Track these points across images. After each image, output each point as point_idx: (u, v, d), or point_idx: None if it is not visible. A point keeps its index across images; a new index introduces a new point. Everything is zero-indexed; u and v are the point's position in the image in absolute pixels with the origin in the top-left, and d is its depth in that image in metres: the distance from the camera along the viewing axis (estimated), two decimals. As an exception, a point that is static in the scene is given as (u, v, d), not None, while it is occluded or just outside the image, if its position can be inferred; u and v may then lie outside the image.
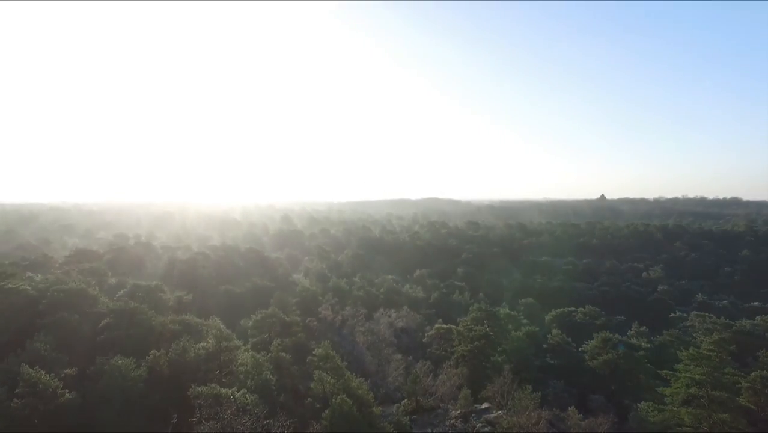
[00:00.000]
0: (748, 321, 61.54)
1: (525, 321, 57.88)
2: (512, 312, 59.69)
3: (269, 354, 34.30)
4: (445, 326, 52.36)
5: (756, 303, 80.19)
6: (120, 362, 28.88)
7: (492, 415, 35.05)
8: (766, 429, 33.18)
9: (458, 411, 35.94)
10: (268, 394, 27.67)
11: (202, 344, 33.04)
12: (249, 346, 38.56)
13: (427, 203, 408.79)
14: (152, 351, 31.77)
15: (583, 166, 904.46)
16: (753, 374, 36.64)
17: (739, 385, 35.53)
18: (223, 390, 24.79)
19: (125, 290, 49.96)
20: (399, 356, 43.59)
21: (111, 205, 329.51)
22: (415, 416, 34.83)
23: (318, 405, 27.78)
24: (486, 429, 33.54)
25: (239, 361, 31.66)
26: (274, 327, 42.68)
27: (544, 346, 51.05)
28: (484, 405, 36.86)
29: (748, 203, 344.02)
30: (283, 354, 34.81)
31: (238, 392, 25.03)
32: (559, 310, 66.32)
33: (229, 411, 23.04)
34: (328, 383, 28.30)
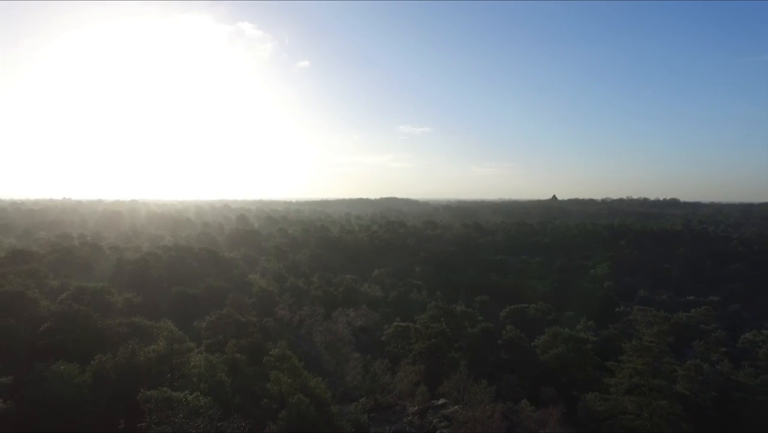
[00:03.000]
0: (685, 314, 65.77)
1: (480, 318, 59.28)
2: (468, 309, 60.97)
3: (224, 356, 33.50)
4: (403, 324, 52.87)
5: (691, 297, 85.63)
6: (62, 367, 27.40)
7: (449, 410, 35.73)
8: (699, 413, 35.53)
9: (416, 407, 36.42)
10: (222, 396, 27.03)
11: (152, 346, 31.84)
12: (203, 348, 37.51)
13: (386, 203, 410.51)
14: (98, 355, 30.33)
15: (535, 168, 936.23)
16: (688, 362, 39.23)
17: (676, 373, 37.96)
18: (175, 393, 24.00)
19: (68, 292, 47.38)
20: (357, 355, 43.63)
21: (53, 204, 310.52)
22: (373, 414, 35.01)
23: (274, 406, 27.41)
24: (443, 424, 34.16)
25: (192, 363, 30.76)
26: (229, 328, 41.71)
27: (499, 342, 52.45)
28: (441, 401, 37.51)
29: (685, 204, 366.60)
30: (239, 355, 34.09)
31: (190, 395, 24.30)
32: (512, 306, 68.34)
33: (180, 415, 22.36)
34: (284, 383, 27.98)
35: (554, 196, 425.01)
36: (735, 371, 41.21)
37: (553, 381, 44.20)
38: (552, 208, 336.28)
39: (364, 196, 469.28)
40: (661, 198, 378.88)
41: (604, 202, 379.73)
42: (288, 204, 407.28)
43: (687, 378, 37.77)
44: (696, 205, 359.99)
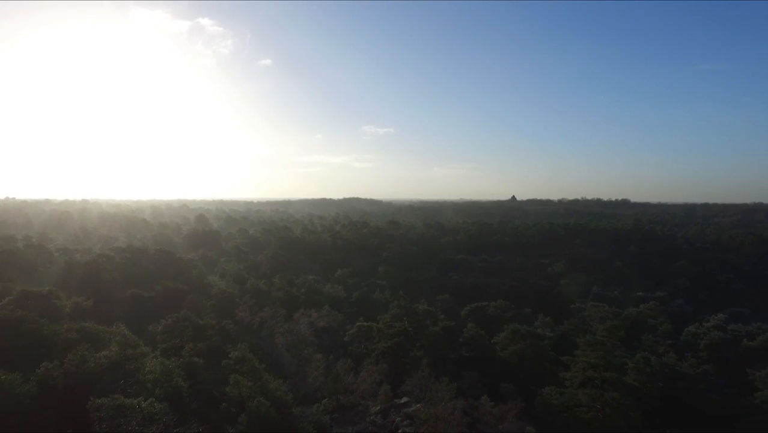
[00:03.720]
0: (634, 309, 68.92)
1: (442, 316, 60.11)
2: (430, 308, 61.71)
3: (181, 360, 32.49)
4: (366, 323, 52.91)
5: (640, 293, 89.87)
6: (3, 377, 25.79)
7: (411, 408, 35.99)
8: (647, 403, 37.32)
9: (378, 407, 36.49)
10: (179, 401, 26.21)
11: (104, 352, 30.45)
12: (158, 352, 36.23)
13: (349, 203, 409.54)
14: (44, 363, 28.74)
15: (496, 169, 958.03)
16: (637, 355, 41.12)
17: (627, 366, 39.71)
18: (128, 400, 23.07)
19: (11, 297, 44.70)
20: (319, 356, 43.31)
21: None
22: (335, 415, 34.82)
23: (234, 410, 26.82)
24: (405, 423, 34.39)
25: (147, 369, 29.61)
26: (186, 331, 40.46)
27: (460, 339, 53.35)
28: (404, 399, 37.74)
29: (635, 204, 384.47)
30: (196, 359, 33.15)
31: (144, 401, 23.43)
32: (473, 305, 69.67)
33: (134, 422, 21.52)
34: (244, 387, 27.42)
35: (513, 196, 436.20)
36: (679, 362, 43.54)
37: (512, 377, 45.34)
38: (511, 209, 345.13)
39: (327, 196, 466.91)
40: (613, 199, 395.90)
41: (560, 202, 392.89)
42: (249, 204, 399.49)
43: (636, 370, 39.57)
44: (645, 206, 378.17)
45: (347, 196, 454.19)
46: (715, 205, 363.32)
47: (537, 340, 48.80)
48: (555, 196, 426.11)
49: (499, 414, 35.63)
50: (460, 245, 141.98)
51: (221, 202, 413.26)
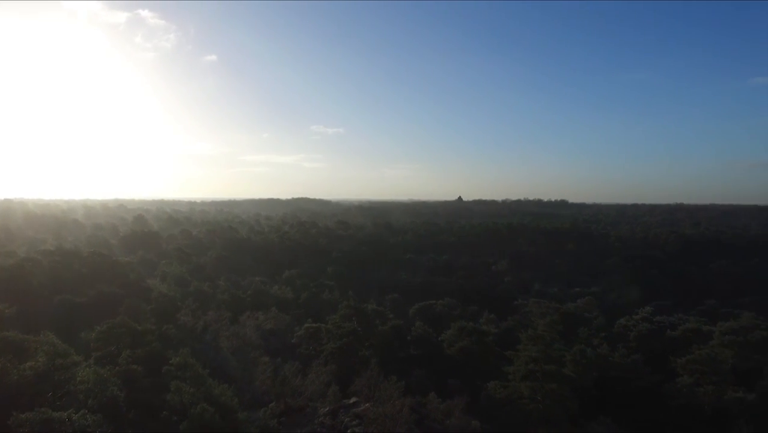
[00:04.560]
0: (572, 304, 72.63)
1: (391, 315, 60.59)
2: (379, 308, 62.01)
3: (117, 368, 30.79)
4: (314, 325, 52.45)
5: (577, 289, 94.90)
6: None
7: (360, 408, 36.05)
8: (583, 393, 39.45)
9: (327, 408, 36.28)
10: (114, 412, 24.86)
11: (29, 363, 28.34)
12: (92, 361, 34.15)
13: (297, 203, 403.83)
14: (-41, 377, 26.36)
15: (443, 170, 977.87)
16: (574, 348, 43.34)
17: (565, 358, 41.78)
18: (56, 413, 21.60)
19: None
20: (267, 359, 42.44)
21: None
22: (283, 418, 34.27)
23: (175, 418, 25.76)
24: (354, 423, 34.41)
25: (79, 379, 27.82)
26: (123, 338, 38.36)
27: (408, 338, 54.01)
28: (353, 399, 37.74)
29: (573, 205, 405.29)
30: (134, 366, 31.52)
31: (76, 413, 22.03)
32: (421, 303, 70.73)
33: (64, 436, 20.19)
34: (186, 393, 26.40)
35: (460, 197, 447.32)
36: (612, 353, 46.37)
37: (458, 373, 46.44)
38: (458, 209, 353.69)
39: (275, 196, 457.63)
40: (553, 199, 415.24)
41: (504, 202, 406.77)
42: (192, 204, 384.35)
43: (573, 362, 41.71)
44: (581, 206, 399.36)
45: (296, 196, 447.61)
46: (643, 205, 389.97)
47: (482, 336, 50.22)
48: (499, 196, 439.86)
49: (446, 410, 36.43)
50: (409, 245, 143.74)
51: (162, 202, 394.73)
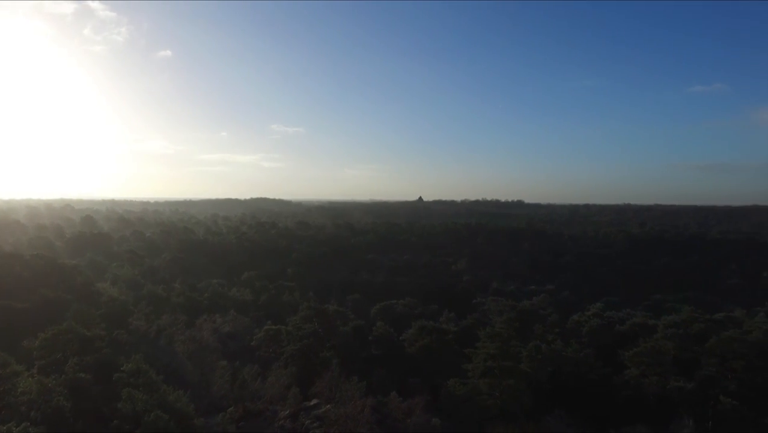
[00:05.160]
0: (528, 301, 74.97)
1: (352, 316, 60.59)
2: (340, 308, 61.89)
3: (63, 377, 29.28)
4: (274, 327, 51.72)
5: (533, 286, 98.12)
6: None
7: (321, 410, 35.82)
8: (538, 387, 40.78)
9: (287, 411, 35.83)
10: (60, 423, 23.65)
11: (-36, 375, 26.54)
12: (35, 370, 32.32)
13: (256, 204, 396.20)
14: None
15: (404, 170, 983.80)
16: (530, 344, 44.71)
17: (521, 354, 43.03)
18: (-4, 427, 20.36)
19: None
20: (224, 363, 41.48)
21: None
22: (242, 423, 33.59)
23: (127, 427, 24.78)
24: (315, 425, 34.17)
25: (20, 389, 26.28)
26: (70, 345, 36.49)
27: (370, 338, 54.15)
28: (314, 401, 37.45)
29: (528, 205, 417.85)
30: (82, 375, 30.08)
31: (17, 426, 20.81)
32: (382, 303, 71.05)
33: (5, 451, 19.02)
34: (139, 401, 25.45)
35: (420, 197, 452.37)
36: (565, 348, 48.13)
37: (419, 371, 46.99)
38: (418, 209, 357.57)
39: (233, 196, 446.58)
40: (510, 200, 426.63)
41: (463, 203, 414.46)
42: (146, 204, 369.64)
43: (529, 358, 43.03)
44: (536, 207, 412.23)
45: (254, 196, 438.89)
46: (594, 205, 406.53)
47: (442, 335, 50.98)
48: (458, 197, 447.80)
49: (407, 409, 36.77)
50: (370, 245, 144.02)
51: (112, 202, 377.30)
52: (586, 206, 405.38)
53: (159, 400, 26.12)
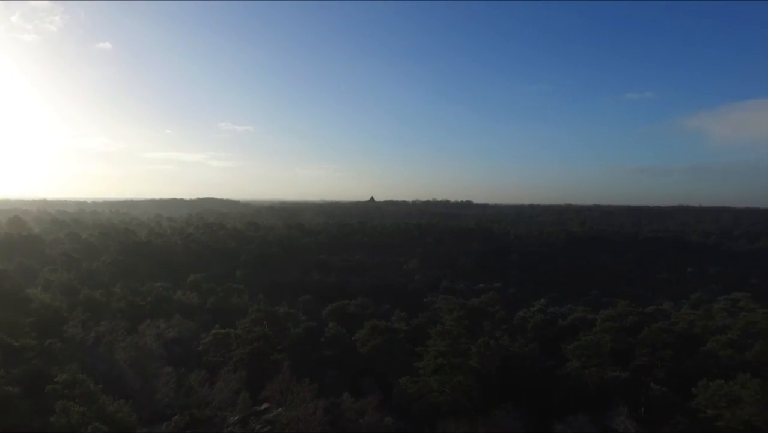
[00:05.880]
0: (477, 299, 77.09)
1: (303, 318, 59.96)
2: (291, 310, 61.12)
3: (-12, 391, 27.15)
4: (222, 330, 50.34)
5: (481, 285, 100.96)
6: None
7: (272, 414, 35.25)
8: (486, 382, 42.04)
9: (237, 416, 35.00)
10: (-14, 441, 21.90)
11: None
12: (-46, 385, 29.73)
13: (203, 204, 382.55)
14: None
15: (356, 170, 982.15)
16: (479, 340, 46.00)
17: (470, 351, 44.21)
18: None
19: None
20: (169, 369, 39.91)
21: None
22: (188, 431, 32.46)
23: (62, 441, 23.34)
24: (266, 429, 33.58)
25: (-62, 406, 24.15)
26: (-5, 357, 33.92)
27: (322, 339, 53.79)
28: (264, 405, 36.79)
29: (477, 205, 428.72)
30: (9, 388, 27.99)
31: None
32: (334, 304, 70.74)
33: None
34: (75, 413, 24.03)
35: (372, 198, 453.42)
36: (512, 343, 49.99)
37: (372, 371, 47.20)
38: (370, 209, 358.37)
39: (179, 196, 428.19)
40: (459, 200, 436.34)
41: (414, 203, 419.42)
42: (82, 204, 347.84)
43: (478, 354, 44.27)
44: (485, 207, 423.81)
45: (201, 196, 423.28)
46: (538, 206, 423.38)
47: (394, 334, 51.46)
48: (409, 197, 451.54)
49: (360, 408, 36.92)
50: (322, 246, 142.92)
51: (45, 203, 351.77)
52: (531, 207, 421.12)
53: (97, 411, 24.78)
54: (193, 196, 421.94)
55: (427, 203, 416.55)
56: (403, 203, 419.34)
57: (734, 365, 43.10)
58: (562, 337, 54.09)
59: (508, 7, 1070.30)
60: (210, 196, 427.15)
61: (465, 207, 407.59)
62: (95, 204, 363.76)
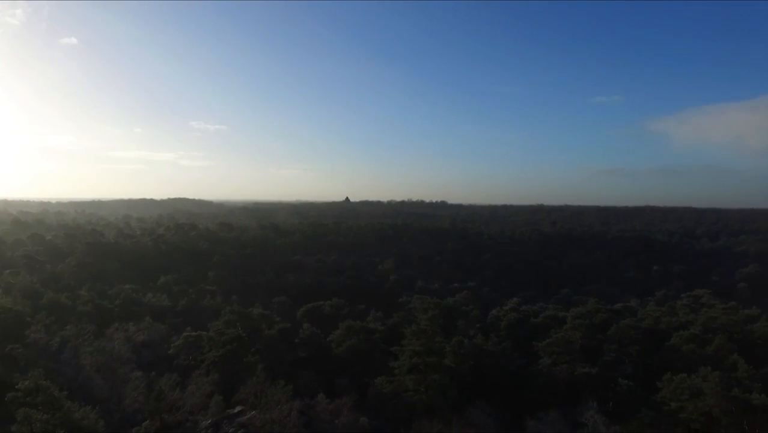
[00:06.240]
0: (451, 298, 77.86)
1: (278, 319, 59.26)
2: (265, 311, 60.37)
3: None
4: (194, 333, 49.35)
5: (456, 284, 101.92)
6: None
7: (245, 417, 34.78)
8: (461, 380, 42.53)
9: (209, 420, 34.39)
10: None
11: None
12: None
13: (174, 204, 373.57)
14: None
15: (331, 170, 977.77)
16: (454, 339, 46.47)
17: (445, 350, 44.63)
18: None
19: None
20: (139, 374, 38.90)
21: None
22: (159, 437, 31.73)
23: (25, 450, 22.48)
24: (239, 432, 33.12)
25: None
26: (-48, 364, 32.39)
27: (296, 341, 53.38)
28: (238, 408, 36.27)
29: (451, 206, 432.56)
30: (-32, 397, 26.79)
31: None
32: (309, 305, 70.26)
33: None
34: (38, 421, 23.17)
35: (347, 198, 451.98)
36: (486, 342, 50.65)
37: (347, 371, 47.12)
38: (345, 210, 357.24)
39: (149, 196, 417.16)
40: (434, 201, 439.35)
41: (389, 204, 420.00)
42: (46, 205, 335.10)
43: (453, 353, 44.72)
44: (459, 207, 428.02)
45: (172, 196, 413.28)
46: (511, 206, 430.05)
47: (369, 334, 51.48)
48: (384, 197, 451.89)
49: (335, 409, 36.81)
50: (296, 246, 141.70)
51: (5, 203, 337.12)
52: (505, 207, 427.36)
53: (62, 419, 23.96)
54: (164, 197, 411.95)
55: (402, 203, 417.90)
56: (378, 203, 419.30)
57: (696, 359, 44.83)
58: (534, 335, 55.17)
59: (480, 10, 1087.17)
60: (181, 196, 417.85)
61: (440, 207, 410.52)
62: (60, 204, 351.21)
